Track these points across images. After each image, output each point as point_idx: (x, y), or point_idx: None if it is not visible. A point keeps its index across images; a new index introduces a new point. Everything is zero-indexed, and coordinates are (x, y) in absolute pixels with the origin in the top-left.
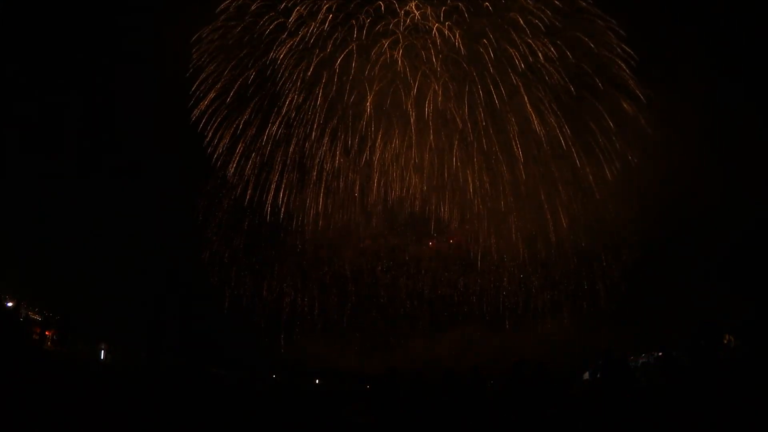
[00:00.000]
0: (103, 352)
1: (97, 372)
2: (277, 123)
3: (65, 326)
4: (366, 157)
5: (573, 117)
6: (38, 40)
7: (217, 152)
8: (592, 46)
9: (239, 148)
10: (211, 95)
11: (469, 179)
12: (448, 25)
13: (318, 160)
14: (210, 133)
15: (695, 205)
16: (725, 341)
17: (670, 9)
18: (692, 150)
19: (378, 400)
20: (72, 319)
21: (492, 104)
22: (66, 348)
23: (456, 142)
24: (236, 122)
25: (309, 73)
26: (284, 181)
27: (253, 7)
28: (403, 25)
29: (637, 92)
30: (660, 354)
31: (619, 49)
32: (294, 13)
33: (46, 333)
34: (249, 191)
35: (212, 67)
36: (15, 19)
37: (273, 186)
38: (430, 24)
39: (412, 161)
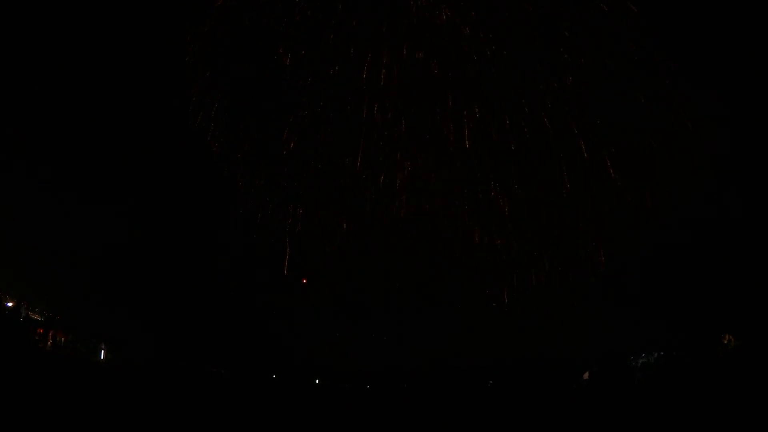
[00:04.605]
0: (103, 351)
1: (97, 371)
2: (288, 131)
3: (49, 325)
4: (386, 171)
5: (623, 144)
6: (37, 40)
7: (224, 160)
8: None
9: (244, 147)
10: (213, 101)
11: (503, 202)
12: (472, 22)
13: (334, 173)
14: (216, 143)
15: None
16: (725, 341)
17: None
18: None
19: (378, 399)
20: (58, 318)
21: (530, 118)
22: (54, 347)
23: (488, 159)
24: (241, 130)
25: (319, 75)
26: (300, 193)
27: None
28: (421, 21)
29: (689, 124)
30: (660, 354)
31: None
32: (299, 7)
33: (39, 330)
34: (260, 207)
35: (209, 71)
36: (12, 19)
37: (284, 200)
38: (452, 19)
39: (443, 176)
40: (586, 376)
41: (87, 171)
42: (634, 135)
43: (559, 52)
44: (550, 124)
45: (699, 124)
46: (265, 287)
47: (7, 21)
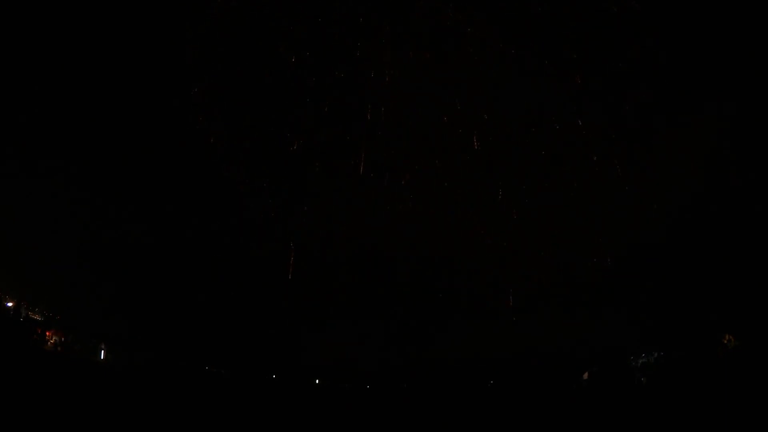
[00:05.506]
0: (103, 351)
1: (97, 371)
2: (291, 132)
3: (49, 325)
4: (390, 172)
5: (628, 144)
6: (37, 39)
7: (226, 161)
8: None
9: (247, 148)
10: (215, 101)
11: (510, 203)
12: (478, 22)
13: (338, 174)
14: (218, 144)
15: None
16: (725, 341)
17: None
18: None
19: (378, 399)
20: (58, 318)
21: (537, 118)
22: (55, 347)
23: (495, 160)
24: (243, 131)
25: (323, 75)
26: (304, 194)
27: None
28: (428, 22)
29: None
30: (660, 354)
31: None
32: (302, 7)
33: (38, 330)
34: (263, 208)
35: (210, 71)
36: (11, 18)
37: (288, 202)
38: (459, 20)
39: (449, 177)
40: (586, 376)
41: (87, 171)
42: (640, 135)
43: (565, 51)
44: (558, 125)
45: (704, 125)
46: (267, 288)
47: (6, 21)
